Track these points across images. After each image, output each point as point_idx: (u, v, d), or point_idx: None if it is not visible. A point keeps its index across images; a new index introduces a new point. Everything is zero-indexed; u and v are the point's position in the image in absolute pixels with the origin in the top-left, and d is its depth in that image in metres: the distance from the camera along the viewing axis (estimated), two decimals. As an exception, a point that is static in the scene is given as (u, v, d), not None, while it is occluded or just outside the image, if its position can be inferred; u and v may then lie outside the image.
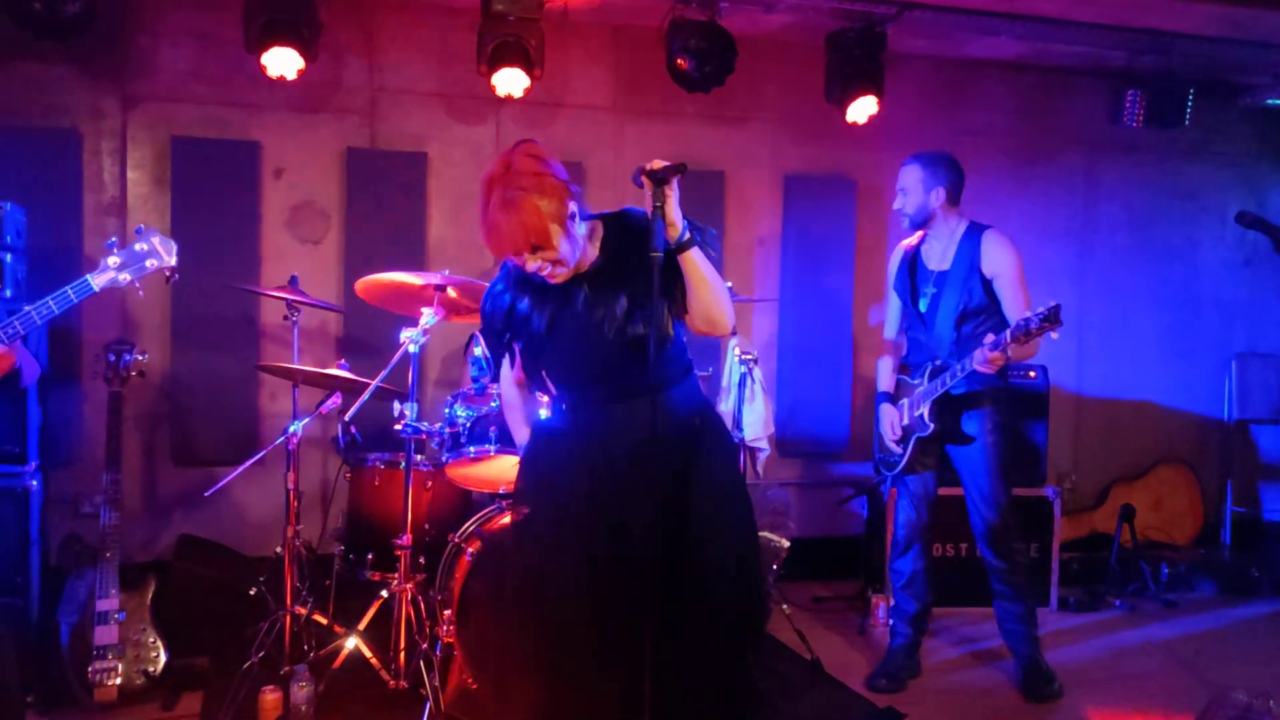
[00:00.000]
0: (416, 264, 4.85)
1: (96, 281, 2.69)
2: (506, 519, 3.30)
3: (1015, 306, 3.59)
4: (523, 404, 2.79)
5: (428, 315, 3.48)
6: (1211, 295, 6.20)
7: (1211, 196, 6.18)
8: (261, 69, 4.33)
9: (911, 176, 3.72)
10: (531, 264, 2.36)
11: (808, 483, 5.58)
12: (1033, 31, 5.10)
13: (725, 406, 4.02)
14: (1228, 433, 6.24)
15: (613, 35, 5.21)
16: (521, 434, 2.78)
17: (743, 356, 3.95)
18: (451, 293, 3.60)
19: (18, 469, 3.61)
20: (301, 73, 4.37)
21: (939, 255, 3.78)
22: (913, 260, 3.85)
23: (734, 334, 4.09)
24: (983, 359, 3.37)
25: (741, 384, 3.96)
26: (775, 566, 4.69)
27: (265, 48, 4.24)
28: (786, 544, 4.82)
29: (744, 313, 5.42)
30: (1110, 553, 5.36)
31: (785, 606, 4.12)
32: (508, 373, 2.76)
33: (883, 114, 5.05)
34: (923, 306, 3.78)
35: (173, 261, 2.77)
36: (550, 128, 5.15)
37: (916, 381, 3.78)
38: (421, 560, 3.66)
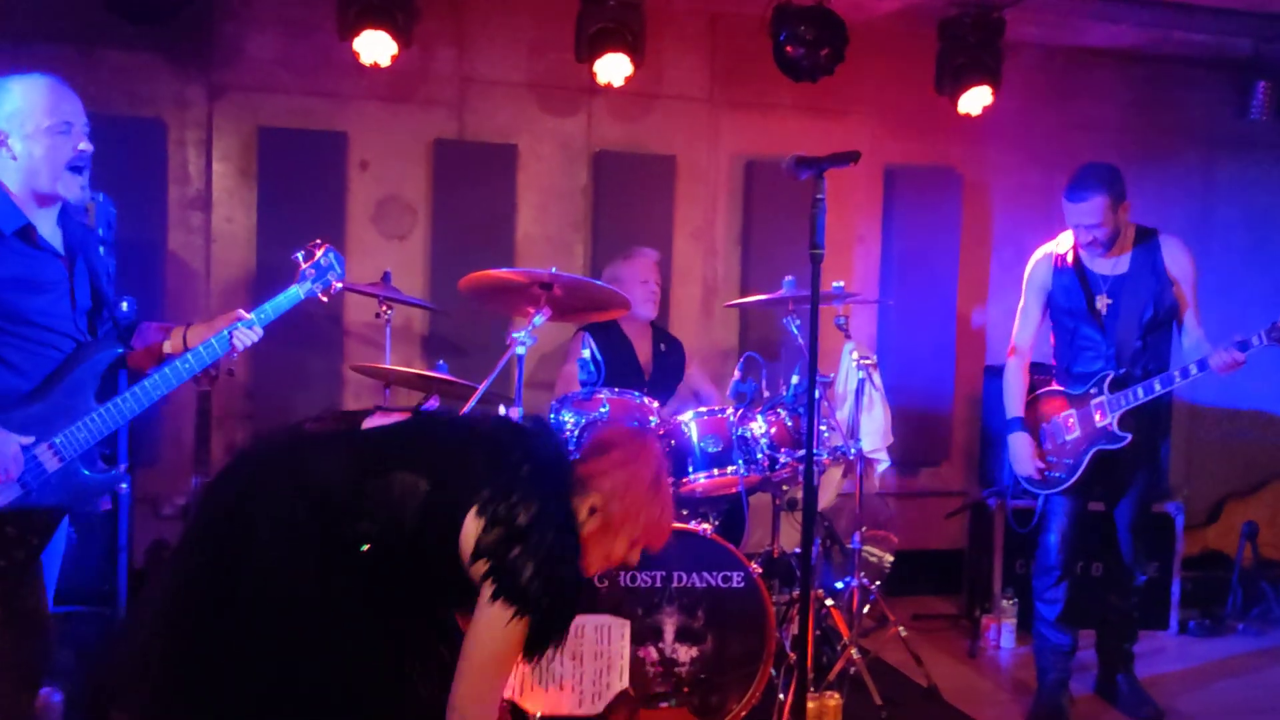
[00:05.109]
0: (505, 261, 4.64)
1: (301, 291, 2.74)
2: None
3: (1194, 312, 3.54)
4: None
5: (536, 316, 3.30)
6: (1335, 301, 5.84)
7: (1338, 196, 5.82)
8: (353, 56, 4.19)
9: (1098, 208, 3.43)
10: None
11: (905, 493, 5.32)
12: (1157, 18, 4.81)
13: (841, 414, 3.77)
14: (1349, 446, 5.87)
15: (709, 24, 4.97)
16: None
17: (861, 361, 3.70)
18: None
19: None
20: (395, 59, 4.21)
21: (1111, 260, 3.57)
22: (1078, 267, 3.60)
23: (848, 338, 3.84)
24: (1225, 361, 3.24)
25: (860, 390, 3.71)
26: (878, 582, 4.44)
27: (359, 32, 4.09)
28: (890, 558, 4.56)
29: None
30: (1230, 572, 5.02)
31: (902, 628, 3.87)
32: None
33: (990, 105, 4.77)
34: (1100, 315, 3.55)
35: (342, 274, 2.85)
36: (643, 120, 4.94)
37: (1086, 392, 3.55)
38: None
